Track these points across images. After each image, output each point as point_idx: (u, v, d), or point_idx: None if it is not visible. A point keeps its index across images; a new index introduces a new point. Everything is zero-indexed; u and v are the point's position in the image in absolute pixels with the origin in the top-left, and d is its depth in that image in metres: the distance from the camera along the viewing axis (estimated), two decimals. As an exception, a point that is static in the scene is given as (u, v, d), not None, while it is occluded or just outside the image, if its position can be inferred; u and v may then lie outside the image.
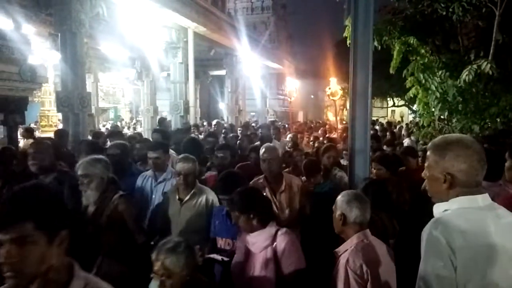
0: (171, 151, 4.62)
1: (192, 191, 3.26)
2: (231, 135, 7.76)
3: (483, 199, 1.43)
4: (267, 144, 3.55)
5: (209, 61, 17.57)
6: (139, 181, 3.81)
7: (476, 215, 1.40)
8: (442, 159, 1.45)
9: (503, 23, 6.01)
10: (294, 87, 13.56)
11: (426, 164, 1.55)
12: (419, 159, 4.72)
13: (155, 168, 3.74)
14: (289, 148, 6.22)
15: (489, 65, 5.49)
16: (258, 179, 3.43)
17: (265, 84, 23.19)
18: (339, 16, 6.46)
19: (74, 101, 7.04)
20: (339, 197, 2.31)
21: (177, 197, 3.29)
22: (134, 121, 20.61)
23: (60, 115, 10.37)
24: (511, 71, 6.63)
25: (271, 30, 30.90)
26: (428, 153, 1.52)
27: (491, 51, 5.95)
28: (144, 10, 9.08)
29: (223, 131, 8.64)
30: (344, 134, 9.63)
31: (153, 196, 3.71)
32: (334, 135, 10.12)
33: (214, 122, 10.92)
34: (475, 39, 7.14)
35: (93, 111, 12.17)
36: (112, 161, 3.23)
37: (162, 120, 9.51)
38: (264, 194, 2.93)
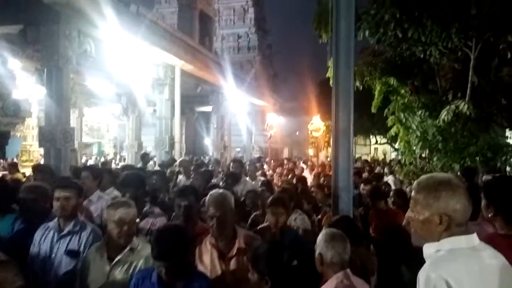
0: (116, 192, 4.15)
1: (129, 247, 2.49)
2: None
3: (473, 239, 1.44)
4: (214, 192, 2.67)
5: (195, 98, 17.76)
6: (37, 236, 2.82)
7: (470, 255, 1.40)
8: (437, 200, 1.44)
9: (478, 66, 6.28)
10: (274, 122, 13.74)
11: (414, 207, 1.51)
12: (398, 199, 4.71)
13: (61, 213, 2.80)
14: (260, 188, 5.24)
15: (466, 105, 5.69)
16: (204, 240, 2.62)
17: (251, 120, 23.43)
18: (322, 56, 6.70)
19: (57, 136, 6.97)
20: (319, 235, 2.28)
21: (106, 255, 2.49)
22: (118, 156, 20.39)
23: (42, 150, 10.21)
24: (488, 112, 6.87)
25: (257, 69, 31.65)
26: (417, 195, 1.49)
27: (468, 92, 6.18)
28: (133, 48, 9.24)
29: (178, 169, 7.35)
30: (319, 170, 9.67)
31: (53, 256, 2.72)
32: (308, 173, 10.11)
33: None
34: (452, 81, 7.43)
35: (76, 146, 12.03)
36: (24, 208, 2.82)
37: (144, 155, 9.46)
38: (208, 260, 2.49)
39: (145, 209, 3.57)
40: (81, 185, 3.54)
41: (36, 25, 7.09)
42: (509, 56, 5.64)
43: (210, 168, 7.84)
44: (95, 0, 7.21)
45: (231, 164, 6.89)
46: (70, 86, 7.87)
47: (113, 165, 14.22)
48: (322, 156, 16.90)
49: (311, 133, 12.37)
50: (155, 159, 11.86)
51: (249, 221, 4.06)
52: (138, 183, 3.74)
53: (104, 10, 7.31)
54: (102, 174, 4.50)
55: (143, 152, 11.50)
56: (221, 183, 5.48)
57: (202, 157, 17.78)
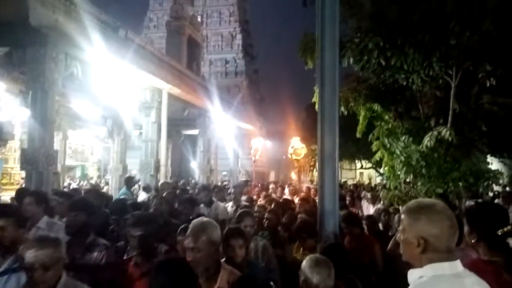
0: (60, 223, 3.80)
1: None
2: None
3: (456, 265, 1.45)
4: (195, 221, 2.43)
5: (182, 121, 17.76)
6: None
7: (453, 282, 1.40)
8: (416, 223, 1.47)
9: (459, 94, 6.45)
10: (259, 146, 13.66)
11: (400, 228, 1.56)
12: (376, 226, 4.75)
13: None
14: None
15: (448, 132, 5.81)
16: None
17: (238, 144, 23.48)
18: (308, 82, 6.81)
19: (39, 158, 6.85)
20: (303, 262, 2.27)
21: None
22: (102, 179, 20.06)
23: (24, 173, 9.99)
24: (469, 138, 7.01)
25: (244, 93, 31.99)
26: (402, 216, 1.55)
27: (449, 119, 6.31)
28: (120, 71, 9.26)
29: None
30: (302, 194, 9.57)
31: None
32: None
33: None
34: (434, 108, 7.59)
35: (59, 169, 11.82)
36: None
37: (129, 179, 9.33)
38: None
39: (88, 240, 3.07)
40: (26, 211, 3.23)
41: (22, 47, 7.06)
42: (488, 84, 5.81)
43: (192, 192, 7.72)
44: (83, 24, 7.26)
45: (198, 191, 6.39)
46: (55, 108, 7.81)
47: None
48: (306, 180, 16.94)
49: (291, 156, 12.28)
50: (140, 182, 11.70)
51: None
52: (87, 209, 3.29)
53: (92, 34, 7.36)
54: (46, 199, 4.11)
55: (127, 175, 11.36)
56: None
57: (190, 180, 17.63)
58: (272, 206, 5.53)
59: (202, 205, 5.58)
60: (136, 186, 11.11)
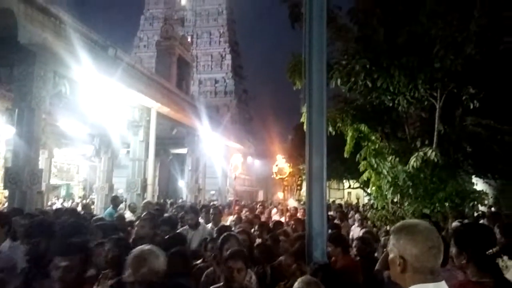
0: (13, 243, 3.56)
1: None
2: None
3: (442, 287, 1.45)
4: (135, 250, 2.18)
5: (170, 140, 17.69)
6: None
7: None
8: (398, 243, 1.49)
9: (444, 115, 6.58)
10: (238, 162, 13.47)
11: (388, 248, 1.59)
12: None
13: None
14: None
15: (434, 152, 5.89)
16: None
17: (227, 163, 23.43)
18: (297, 101, 6.87)
19: (23, 177, 6.72)
20: (295, 284, 2.25)
21: None
22: (88, 199, 19.70)
23: (7, 192, 9.77)
24: (454, 159, 7.12)
25: (233, 112, 32.12)
26: (390, 236, 1.57)
27: (435, 140, 6.42)
28: (109, 90, 9.24)
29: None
30: (289, 214, 9.45)
31: None
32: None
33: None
34: (420, 129, 7.71)
35: (44, 188, 11.59)
36: None
37: (115, 198, 9.21)
38: None
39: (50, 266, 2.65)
40: None
41: (10, 65, 7.04)
42: (472, 106, 5.95)
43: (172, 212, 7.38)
44: (72, 43, 7.27)
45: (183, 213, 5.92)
46: (41, 126, 7.72)
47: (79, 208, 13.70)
48: (292, 200, 16.87)
49: (276, 175, 12.11)
50: (126, 202, 11.54)
51: (203, 277, 3.46)
52: (48, 233, 3.03)
53: (81, 53, 7.36)
54: (9, 221, 3.87)
55: (113, 195, 11.19)
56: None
57: (180, 199, 17.41)
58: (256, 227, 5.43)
59: (186, 227, 5.25)
60: (122, 205, 10.95)
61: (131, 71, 9.95)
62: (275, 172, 12.22)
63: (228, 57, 37.01)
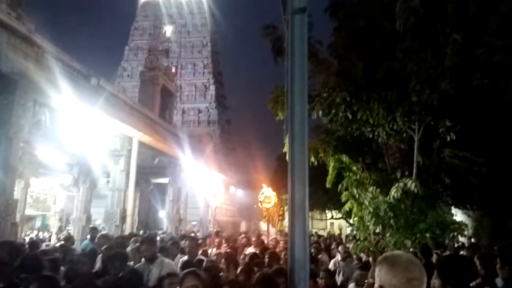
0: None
1: None
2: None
3: None
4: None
5: (152, 169, 17.48)
6: None
7: None
8: (380, 272, 1.53)
9: (422, 147, 6.73)
10: (220, 192, 13.23)
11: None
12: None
13: None
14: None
15: (413, 183, 5.98)
16: None
17: (209, 193, 23.15)
18: (279, 132, 6.92)
19: (-3, 208, 6.50)
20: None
21: None
22: (64, 230, 19.01)
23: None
24: (434, 190, 7.22)
25: (216, 142, 32.09)
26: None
27: (414, 171, 6.53)
28: (90, 119, 9.16)
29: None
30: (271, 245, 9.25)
31: None
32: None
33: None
34: (400, 160, 7.84)
35: (18, 219, 11.16)
36: None
37: (93, 229, 8.93)
38: None
39: None
40: None
41: (-11, 93, 6.93)
42: (448, 138, 6.11)
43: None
44: (53, 72, 7.25)
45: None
46: (19, 156, 7.54)
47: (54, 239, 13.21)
48: (273, 231, 16.68)
49: (261, 204, 12.00)
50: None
51: None
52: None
53: (63, 82, 7.34)
54: None
55: (91, 226, 10.86)
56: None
57: (160, 230, 16.94)
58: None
59: (143, 261, 4.67)
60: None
61: (113, 100, 9.93)
62: (261, 201, 12.11)
63: (212, 87, 37.43)
